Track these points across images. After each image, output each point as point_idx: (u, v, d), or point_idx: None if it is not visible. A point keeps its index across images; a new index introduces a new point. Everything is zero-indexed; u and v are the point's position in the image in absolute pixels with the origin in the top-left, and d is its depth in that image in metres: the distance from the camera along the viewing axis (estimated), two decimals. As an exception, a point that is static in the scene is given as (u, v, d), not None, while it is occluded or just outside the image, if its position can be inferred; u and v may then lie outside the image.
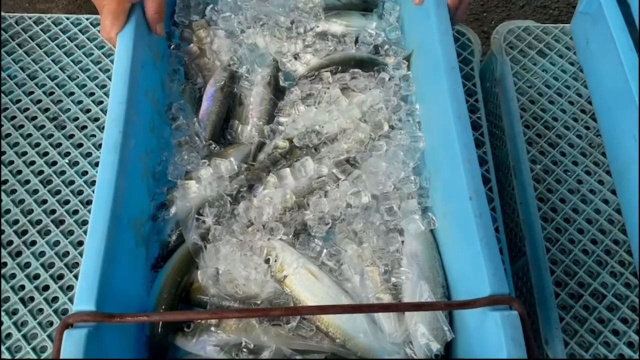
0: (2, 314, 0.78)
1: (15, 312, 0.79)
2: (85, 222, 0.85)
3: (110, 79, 0.96)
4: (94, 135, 0.94)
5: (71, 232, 0.85)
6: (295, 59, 0.97)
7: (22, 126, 0.94)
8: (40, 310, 0.79)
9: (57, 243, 0.84)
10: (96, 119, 0.95)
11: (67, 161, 0.91)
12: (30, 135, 0.94)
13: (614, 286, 0.83)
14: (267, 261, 0.78)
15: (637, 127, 0.81)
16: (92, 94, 0.98)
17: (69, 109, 0.96)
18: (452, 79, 0.77)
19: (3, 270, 0.81)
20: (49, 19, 1.06)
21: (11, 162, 0.91)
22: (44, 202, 0.87)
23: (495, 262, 0.64)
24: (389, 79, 0.92)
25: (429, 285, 0.74)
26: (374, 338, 0.72)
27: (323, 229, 0.80)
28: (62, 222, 0.86)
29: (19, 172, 0.90)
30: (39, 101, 0.97)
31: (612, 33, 0.86)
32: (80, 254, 0.82)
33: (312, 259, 0.78)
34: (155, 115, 0.86)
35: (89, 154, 0.92)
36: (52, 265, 0.82)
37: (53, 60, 1.01)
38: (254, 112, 0.91)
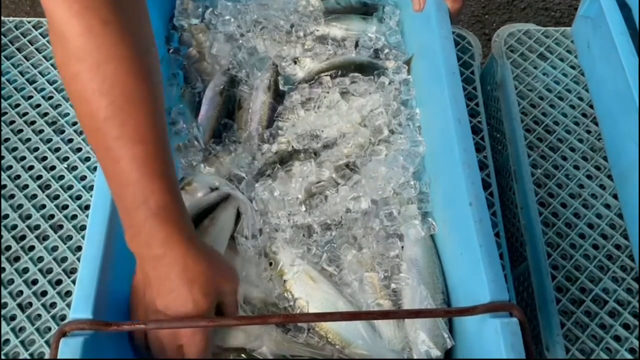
0: (0, 319, 0.78)
1: (13, 317, 0.78)
2: (83, 227, 0.85)
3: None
4: (92, 140, 0.93)
5: (69, 237, 0.85)
6: (295, 62, 0.96)
7: (20, 130, 0.94)
8: (39, 316, 0.79)
9: (55, 248, 0.84)
10: (95, 123, 0.94)
11: (65, 166, 0.91)
12: (29, 139, 0.93)
13: (615, 292, 0.83)
14: (270, 265, 0.78)
15: (638, 131, 0.80)
16: (91, 98, 0.97)
17: (68, 113, 0.96)
18: (453, 84, 0.77)
19: (1, 276, 0.81)
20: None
21: (10, 167, 0.90)
22: (43, 206, 0.87)
23: (495, 269, 0.63)
24: (389, 83, 0.92)
25: (428, 291, 0.73)
26: (372, 344, 0.72)
27: (325, 234, 0.80)
28: (60, 227, 0.86)
29: (18, 176, 0.90)
30: (38, 105, 0.97)
31: (613, 37, 0.86)
32: (79, 260, 0.82)
33: (313, 263, 0.78)
34: (154, 119, 0.85)
35: (87, 159, 0.92)
36: (50, 270, 0.82)
37: (52, 65, 1.00)
38: (254, 116, 0.91)
